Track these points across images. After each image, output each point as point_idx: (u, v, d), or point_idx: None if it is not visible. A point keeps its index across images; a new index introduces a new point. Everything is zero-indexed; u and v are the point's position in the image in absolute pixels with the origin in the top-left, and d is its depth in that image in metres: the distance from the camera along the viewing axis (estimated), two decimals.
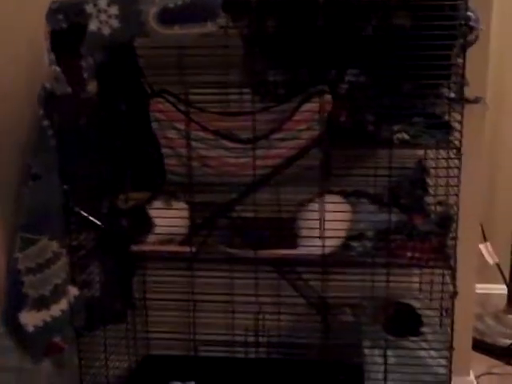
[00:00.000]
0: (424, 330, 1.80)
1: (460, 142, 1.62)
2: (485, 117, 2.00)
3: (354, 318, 2.05)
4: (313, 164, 1.79)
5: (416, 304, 1.94)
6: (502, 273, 2.66)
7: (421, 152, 1.89)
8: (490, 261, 2.52)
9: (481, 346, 2.51)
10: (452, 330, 1.68)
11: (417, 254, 1.65)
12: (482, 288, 2.49)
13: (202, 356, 1.91)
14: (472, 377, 2.32)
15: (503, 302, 2.75)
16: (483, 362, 2.49)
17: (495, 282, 2.77)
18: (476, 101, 1.86)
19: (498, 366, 2.51)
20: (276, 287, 2.07)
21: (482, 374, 2.40)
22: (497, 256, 2.54)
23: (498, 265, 2.60)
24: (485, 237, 2.51)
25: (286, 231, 1.83)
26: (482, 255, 2.49)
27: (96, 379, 1.94)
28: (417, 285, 2.10)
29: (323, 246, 1.70)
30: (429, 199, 1.82)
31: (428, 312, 1.90)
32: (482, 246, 2.46)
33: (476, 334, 2.46)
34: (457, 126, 1.62)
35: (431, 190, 1.81)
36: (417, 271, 2.04)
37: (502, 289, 2.78)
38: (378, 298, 1.98)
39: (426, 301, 2.03)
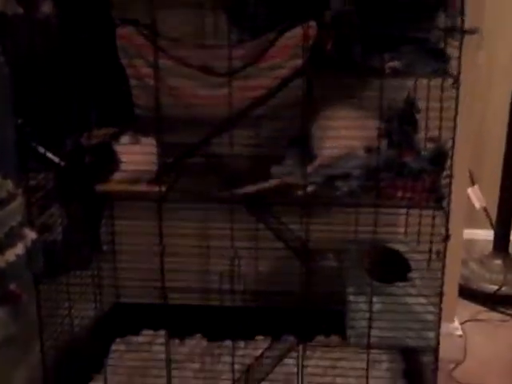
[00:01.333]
0: (411, 275, 1.69)
1: (458, 71, 1.47)
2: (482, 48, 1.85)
3: (337, 264, 1.93)
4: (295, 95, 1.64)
5: (402, 248, 1.83)
6: (489, 217, 2.56)
7: (411, 83, 1.74)
8: (477, 205, 2.42)
9: (465, 291, 2.43)
10: (443, 274, 1.56)
11: (408, 194, 1.52)
12: (467, 233, 2.39)
13: (173, 304, 1.78)
14: (457, 323, 2.24)
15: (488, 248, 2.66)
16: (468, 308, 2.42)
17: (481, 227, 2.67)
18: (473, 31, 1.72)
19: (483, 312, 2.44)
20: (253, 231, 1.94)
21: (467, 321, 2.32)
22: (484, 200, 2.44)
23: (485, 209, 2.50)
24: (473, 180, 2.39)
25: (264, 170, 1.69)
26: (469, 199, 2.39)
27: (59, 329, 1.81)
28: (402, 228, 1.99)
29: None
30: (420, 135, 1.69)
31: (415, 256, 1.78)
32: (469, 190, 2.35)
33: (460, 280, 2.37)
34: (455, 53, 1.48)
35: (423, 125, 1.67)
36: (402, 212, 1.92)
37: (487, 234, 2.69)
38: (362, 241, 1.87)
39: (413, 244, 1.92)
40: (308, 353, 1.80)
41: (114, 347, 2.26)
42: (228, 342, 2.31)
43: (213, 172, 1.80)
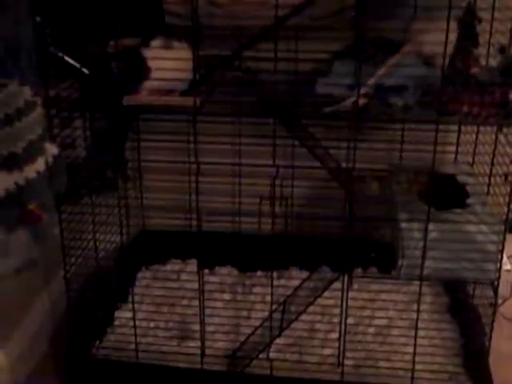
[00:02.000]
0: (471, 201, 1.53)
1: None
2: None
3: (381, 191, 1.77)
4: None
5: (459, 171, 1.67)
6: None
7: None
8: None
9: None
10: (510, 200, 1.40)
11: (475, 109, 1.34)
12: None
13: (205, 231, 1.65)
14: (505, 257, 2.08)
15: None
16: None
17: None
18: None
19: None
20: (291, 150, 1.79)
21: None
22: None
23: None
24: None
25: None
26: None
27: (83, 255, 1.68)
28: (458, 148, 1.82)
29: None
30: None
31: (472, 180, 1.62)
32: None
33: None
34: None
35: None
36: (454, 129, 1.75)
37: None
38: (410, 166, 1.71)
39: (467, 167, 1.75)
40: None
41: (140, 276, 2.16)
42: (260, 273, 2.20)
43: (250, 87, 1.62)
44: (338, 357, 1.59)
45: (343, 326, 1.56)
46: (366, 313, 1.87)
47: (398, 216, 1.49)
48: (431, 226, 1.43)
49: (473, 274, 1.46)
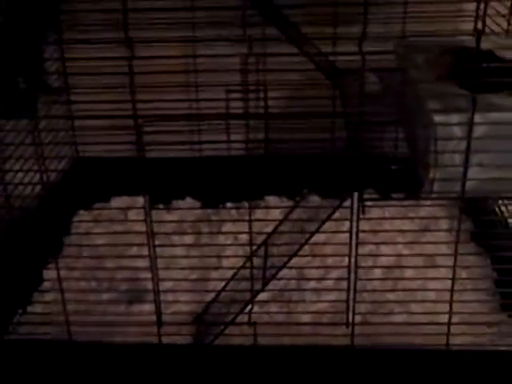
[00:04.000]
0: None
1: None
2: None
3: (379, 87, 1.31)
4: None
5: (496, 45, 1.20)
6: None
7: None
8: None
9: None
10: None
11: None
12: None
13: (152, 157, 1.16)
14: None
15: None
16: None
17: None
18: None
19: None
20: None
21: None
22: None
23: None
24: None
25: None
26: None
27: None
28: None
29: None
30: None
31: None
32: None
33: None
34: None
35: None
36: None
37: None
38: (431, 42, 1.25)
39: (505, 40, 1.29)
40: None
41: (75, 220, 1.68)
42: (229, 205, 1.74)
43: None
44: (347, 313, 1.14)
45: (352, 270, 1.11)
46: (369, 249, 1.44)
47: (426, 106, 1.02)
48: (478, 117, 0.97)
49: None
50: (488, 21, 1.16)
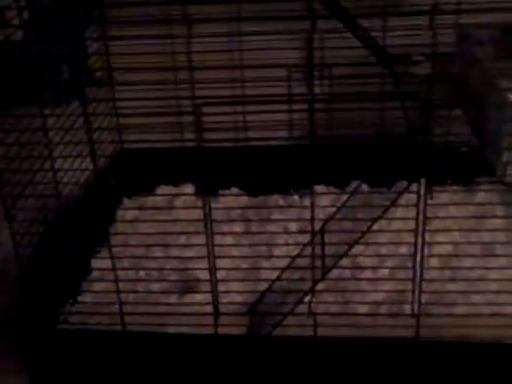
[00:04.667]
0: None
1: None
2: None
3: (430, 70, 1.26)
4: None
5: None
6: None
7: None
8: None
9: None
10: None
11: None
12: None
13: (202, 146, 1.12)
14: None
15: None
16: None
17: None
18: None
19: None
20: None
21: None
22: None
23: None
24: None
25: None
26: None
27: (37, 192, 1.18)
28: None
29: None
30: None
31: None
32: None
33: None
34: None
35: None
36: None
37: None
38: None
39: None
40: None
41: (120, 210, 1.66)
42: (276, 196, 1.70)
43: None
44: (412, 304, 1.09)
45: (418, 259, 1.06)
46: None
47: (498, 85, 0.97)
48: None
49: None
50: None
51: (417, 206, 1.01)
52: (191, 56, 0.99)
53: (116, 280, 1.13)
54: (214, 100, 1.02)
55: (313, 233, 1.08)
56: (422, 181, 1.00)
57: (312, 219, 1.04)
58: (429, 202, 1.03)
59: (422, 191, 1.00)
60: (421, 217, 1.01)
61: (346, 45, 1.30)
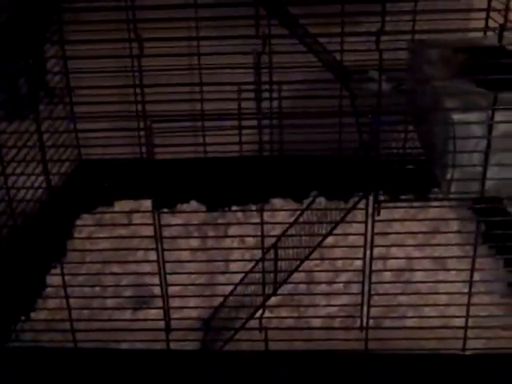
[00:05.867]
0: None
1: None
2: None
3: (388, 85, 1.29)
4: None
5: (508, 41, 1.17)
6: None
7: None
8: None
9: None
10: None
11: None
12: None
13: (160, 159, 1.12)
14: None
15: None
16: None
17: None
18: None
19: None
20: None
21: None
22: None
23: None
24: None
25: None
26: None
27: None
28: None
29: None
30: None
31: None
32: None
33: None
34: None
35: None
36: None
37: None
38: (443, 40, 1.22)
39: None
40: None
41: (79, 224, 1.65)
42: (234, 209, 1.71)
43: None
44: (361, 318, 1.11)
45: (367, 272, 1.08)
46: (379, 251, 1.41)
47: (443, 104, 0.99)
48: (499, 116, 0.94)
49: None
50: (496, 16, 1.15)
51: (365, 221, 1.03)
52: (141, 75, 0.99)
53: (66, 297, 1.12)
54: (165, 117, 1.02)
55: (263, 249, 1.09)
56: (370, 197, 1.02)
57: (262, 236, 1.05)
58: (379, 217, 1.05)
59: (370, 207, 1.02)
60: (369, 232, 1.02)
61: (301, 60, 1.32)
